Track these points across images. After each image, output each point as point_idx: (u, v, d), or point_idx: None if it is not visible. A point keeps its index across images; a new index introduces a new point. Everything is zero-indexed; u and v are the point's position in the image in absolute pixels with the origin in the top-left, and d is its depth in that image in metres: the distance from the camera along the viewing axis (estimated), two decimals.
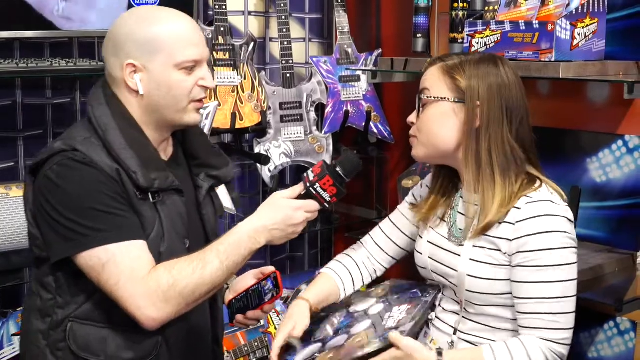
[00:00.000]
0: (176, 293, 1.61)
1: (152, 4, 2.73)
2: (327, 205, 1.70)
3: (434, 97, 1.76)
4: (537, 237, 1.67)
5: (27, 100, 2.79)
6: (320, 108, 3.26)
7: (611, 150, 2.40)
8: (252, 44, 3.05)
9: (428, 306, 1.78)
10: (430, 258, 1.86)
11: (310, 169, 1.72)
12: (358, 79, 3.25)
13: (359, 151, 3.25)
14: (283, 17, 3.11)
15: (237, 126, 2.99)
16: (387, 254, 2.00)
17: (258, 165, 3.07)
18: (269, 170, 3.08)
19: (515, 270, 1.70)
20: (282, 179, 3.35)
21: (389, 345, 1.61)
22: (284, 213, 1.67)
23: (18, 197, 2.47)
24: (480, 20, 2.36)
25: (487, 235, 1.73)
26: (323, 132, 3.19)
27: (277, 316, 3.05)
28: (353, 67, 3.22)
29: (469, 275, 1.74)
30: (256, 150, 3.08)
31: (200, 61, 1.74)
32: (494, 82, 1.74)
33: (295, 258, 3.51)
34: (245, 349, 2.97)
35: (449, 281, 1.81)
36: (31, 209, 1.72)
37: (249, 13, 3.24)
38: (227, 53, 2.99)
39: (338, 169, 1.69)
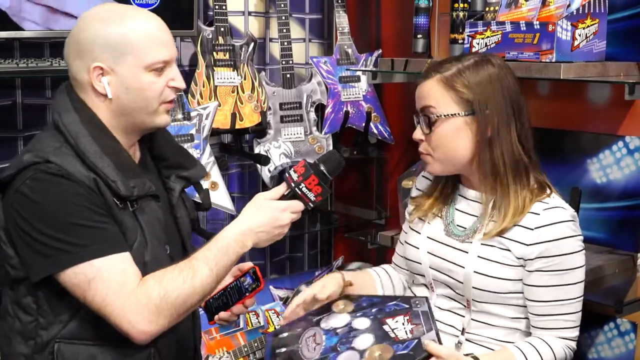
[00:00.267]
0: (168, 305, 1.56)
1: (152, 4, 2.73)
2: (312, 205, 1.67)
3: (444, 115, 1.74)
4: (559, 242, 1.71)
5: (27, 100, 2.78)
6: (320, 108, 3.26)
7: (612, 151, 2.40)
8: (252, 45, 3.05)
9: (432, 314, 1.72)
10: (430, 253, 1.86)
11: (292, 169, 1.69)
12: (358, 79, 3.24)
13: (359, 152, 3.26)
14: (283, 18, 3.11)
15: (237, 126, 2.99)
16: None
17: (258, 165, 3.07)
18: (269, 171, 3.08)
19: (534, 275, 1.72)
20: (282, 180, 3.33)
21: (427, 356, 1.59)
22: (269, 215, 1.64)
23: None
24: (480, 20, 2.36)
25: (497, 236, 1.75)
26: (323, 132, 3.19)
27: (277, 316, 3.05)
28: (353, 67, 3.21)
29: (476, 272, 1.75)
30: (256, 150, 3.08)
31: (170, 61, 1.68)
32: (497, 83, 1.75)
33: (295, 258, 3.50)
34: (245, 349, 2.96)
35: (451, 277, 1.81)
36: (3, 227, 1.63)
37: (249, 13, 3.24)
38: (227, 53, 2.99)
39: (322, 167, 1.66)
